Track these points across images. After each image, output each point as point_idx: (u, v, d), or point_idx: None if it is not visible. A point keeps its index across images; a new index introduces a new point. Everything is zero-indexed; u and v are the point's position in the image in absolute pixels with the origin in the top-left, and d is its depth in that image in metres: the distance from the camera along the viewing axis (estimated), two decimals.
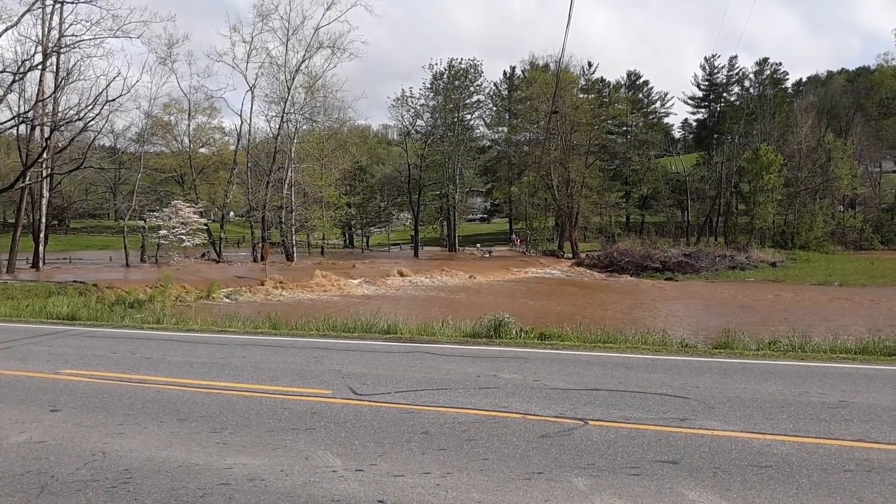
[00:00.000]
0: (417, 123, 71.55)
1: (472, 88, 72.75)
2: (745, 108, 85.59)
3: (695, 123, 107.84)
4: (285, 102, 49.61)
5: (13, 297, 22.18)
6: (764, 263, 51.89)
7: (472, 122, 78.45)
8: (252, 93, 50.63)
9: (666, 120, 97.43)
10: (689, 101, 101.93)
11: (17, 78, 28.48)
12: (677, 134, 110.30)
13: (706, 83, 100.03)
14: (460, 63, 70.01)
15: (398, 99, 69.83)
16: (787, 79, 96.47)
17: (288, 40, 49.09)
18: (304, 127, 53.95)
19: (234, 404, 7.41)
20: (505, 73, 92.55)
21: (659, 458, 5.42)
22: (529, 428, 6.30)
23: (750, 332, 14.00)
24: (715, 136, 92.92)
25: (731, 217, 73.48)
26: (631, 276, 49.00)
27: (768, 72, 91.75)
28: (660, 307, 31.13)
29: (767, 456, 5.44)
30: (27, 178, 33.84)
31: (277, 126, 50.74)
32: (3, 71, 27.85)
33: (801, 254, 58.51)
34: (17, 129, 37.58)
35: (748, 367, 9.43)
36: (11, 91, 32.48)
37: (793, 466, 5.19)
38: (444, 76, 69.35)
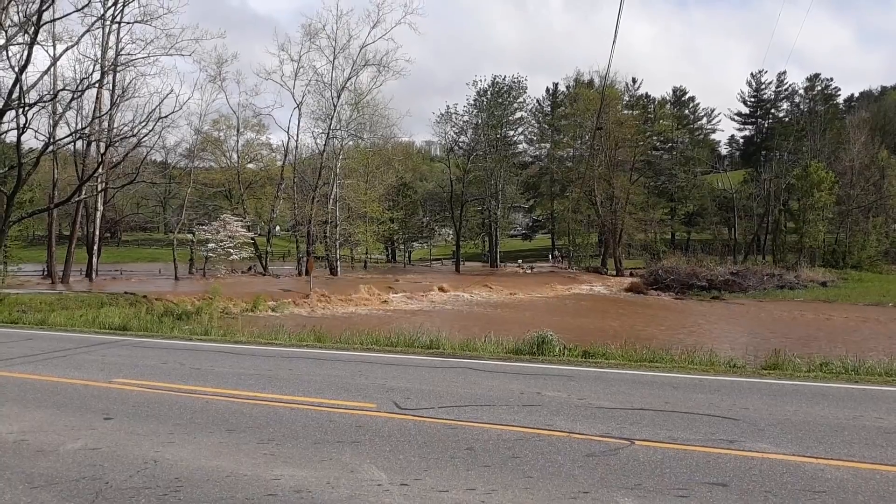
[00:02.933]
0: (460, 139, 71.96)
1: (515, 105, 72.88)
2: (794, 124, 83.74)
3: (742, 140, 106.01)
4: (331, 119, 50.43)
5: (68, 307, 22.90)
6: (814, 283, 50.56)
7: (514, 139, 78.53)
8: (299, 110, 51.64)
9: (712, 136, 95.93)
10: (736, 118, 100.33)
11: (76, 96, 29.53)
12: (724, 150, 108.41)
13: (753, 99, 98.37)
14: (504, 80, 70.29)
15: (442, 115, 70.43)
16: (839, 94, 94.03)
17: (335, 58, 49.96)
18: (350, 143, 54.72)
19: (281, 416, 7.52)
20: (548, 90, 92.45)
21: (707, 479, 5.32)
22: (574, 446, 6.24)
23: (800, 352, 13.64)
24: (763, 152, 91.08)
25: (780, 235, 71.77)
26: (676, 294, 48.26)
27: (819, 87, 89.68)
28: (706, 326, 30.57)
29: (821, 481, 5.30)
30: (83, 192, 34.97)
31: (323, 142, 51.60)
32: (64, 89, 28.90)
33: (853, 273, 56.79)
34: (74, 145, 38.96)
35: (799, 388, 9.20)
36: (70, 108, 33.72)
37: (848, 492, 5.05)
38: (488, 93, 69.64)
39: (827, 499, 4.92)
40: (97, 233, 43.05)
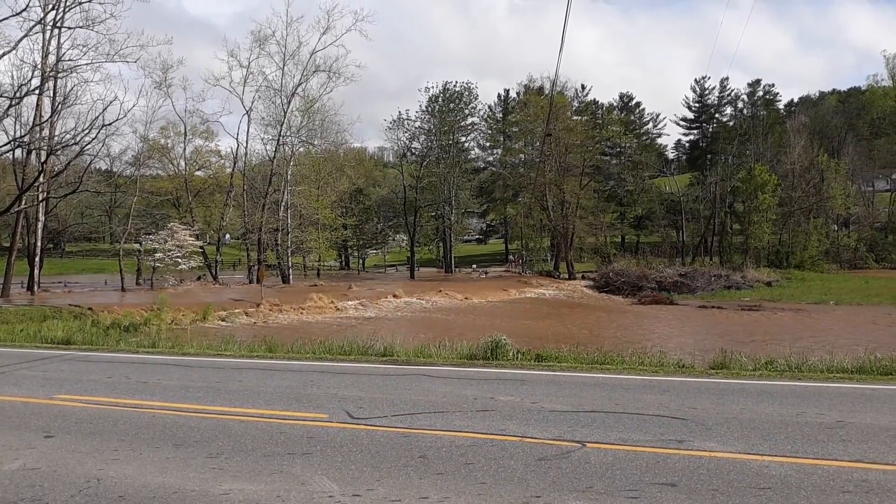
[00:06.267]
0: (413, 145, 71.98)
1: (466, 111, 73.22)
2: (737, 128, 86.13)
3: (687, 144, 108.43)
4: (282, 126, 49.84)
5: (8, 321, 22.07)
6: (759, 283, 52.06)
7: (466, 144, 78.88)
8: (248, 116, 50.96)
9: (659, 141, 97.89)
10: (681, 123, 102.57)
11: (13, 103, 28.61)
12: (671, 154, 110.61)
13: (697, 104, 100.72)
14: (455, 86, 70.59)
15: (394, 121, 70.29)
16: (780, 99, 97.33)
17: (284, 65, 49.40)
18: (301, 150, 54.14)
19: (230, 429, 7.37)
20: (499, 96, 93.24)
21: (657, 480, 5.40)
22: (527, 451, 6.27)
23: (747, 351, 13.98)
24: (708, 156, 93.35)
25: (726, 237, 73.63)
26: (627, 296, 49.03)
27: (760, 93, 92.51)
28: (656, 327, 31.12)
29: (766, 477, 5.42)
30: (23, 203, 33.82)
31: (274, 149, 50.97)
32: (1, 96, 27.94)
33: (796, 273, 58.65)
34: (13, 154, 37.69)
35: (745, 387, 9.42)
36: (7, 115, 32.60)
37: (791, 488, 5.17)
38: (439, 99, 69.81)
39: (772, 495, 5.03)
40: (39, 244, 41.60)
